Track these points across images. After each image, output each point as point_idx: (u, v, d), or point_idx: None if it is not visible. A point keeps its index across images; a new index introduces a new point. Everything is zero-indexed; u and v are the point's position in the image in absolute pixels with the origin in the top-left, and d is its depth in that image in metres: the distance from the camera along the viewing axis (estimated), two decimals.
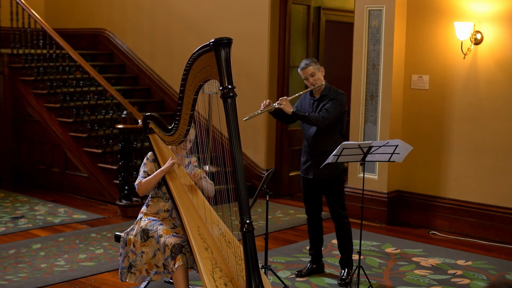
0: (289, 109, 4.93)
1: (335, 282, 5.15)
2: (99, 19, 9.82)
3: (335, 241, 6.14)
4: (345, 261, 5.19)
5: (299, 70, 5.05)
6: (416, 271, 5.46)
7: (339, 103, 4.99)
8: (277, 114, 5.06)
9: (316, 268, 5.31)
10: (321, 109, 4.97)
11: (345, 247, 5.17)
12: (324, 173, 5.03)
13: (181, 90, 4.02)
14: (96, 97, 8.17)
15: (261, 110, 4.90)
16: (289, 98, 5.01)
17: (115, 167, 7.53)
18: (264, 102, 4.94)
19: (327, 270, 5.41)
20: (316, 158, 4.99)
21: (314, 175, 5.07)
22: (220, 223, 4.29)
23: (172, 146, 4.49)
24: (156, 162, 4.44)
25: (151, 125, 4.48)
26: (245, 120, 4.82)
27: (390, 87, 6.80)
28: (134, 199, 7.16)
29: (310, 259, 5.35)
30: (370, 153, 4.67)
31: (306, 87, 5.19)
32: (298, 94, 5.07)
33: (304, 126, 5.10)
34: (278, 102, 4.95)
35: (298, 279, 5.20)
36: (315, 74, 4.99)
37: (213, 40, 3.71)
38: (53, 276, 5.12)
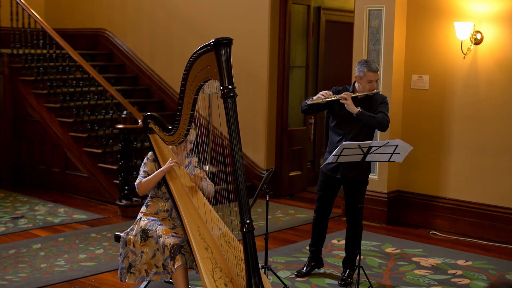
0: (354, 107, 4.88)
1: (335, 282, 5.15)
2: (99, 19, 9.82)
3: (335, 241, 6.16)
4: (350, 262, 5.17)
5: (366, 70, 4.91)
6: (416, 271, 5.46)
7: (388, 107, 5.05)
8: (316, 104, 4.98)
9: (315, 265, 5.31)
10: (369, 111, 4.94)
11: (354, 249, 5.14)
12: (353, 174, 5.01)
13: (181, 90, 4.02)
14: (96, 97, 8.17)
15: (323, 98, 4.88)
16: (353, 95, 4.95)
17: (115, 167, 7.53)
18: (325, 92, 4.92)
19: (327, 270, 5.41)
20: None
21: (342, 175, 5.03)
22: (220, 223, 4.28)
23: (172, 146, 4.49)
24: (156, 162, 4.44)
25: (151, 125, 4.48)
26: (309, 103, 4.88)
27: (390, 87, 6.80)
28: (134, 199, 7.16)
29: (309, 256, 5.33)
30: (370, 153, 4.67)
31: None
32: (362, 94, 4.96)
33: (345, 125, 5.00)
34: (342, 96, 4.89)
35: (298, 279, 5.20)
36: (378, 80, 5.02)
37: (213, 40, 3.71)
38: (53, 276, 5.12)
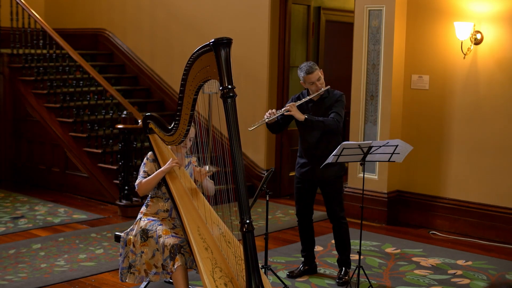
0: (300, 115, 4.87)
1: (335, 282, 5.15)
2: (99, 19, 9.82)
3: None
4: (344, 261, 5.19)
5: (303, 74, 4.92)
6: (416, 271, 5.46)
7: (343, 104, 5.02)
8: (274, 123, 5.00)
9: (308, 269, 5.29)
10: (327, 112, 4.93)
11: (344, 248, 5.17)
12: (329, 174, 5.02)
13: (181, 90, 4.02)
14: (96, 97, 8.17)
15: (267, 118, 4.87)
16: (296, 104, 4.94)
17: (115, 167, 7.53)
18: (269, 111, 4.91)
19: (327, 270, 5.41)
20: (321, 160, 4.91)
21: (316, 177, 5.04)
22: (220, 223, 4.28)
23: (172, 146, 4.49)
24: (156, 162, 4.44)
25: (151, 125, 4.48)
26: (251, 129, 4.81)
27: (390, 87, 6.80)
28: (134, 199, 7.16)
29: (302, 261, 5.33)
30: (370, 153, 4.67)
31: (308, 90, 5.10)
32: (305, 99, 4.96)
33: (306, 130, 5.01)
34: (285, 109, 4.90)
35: (298, 279, 5.20)
36: (320, 78, 4.96)
37: (213, 40, 3.71)
38: (53, 276, 5.12)
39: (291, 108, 4.89)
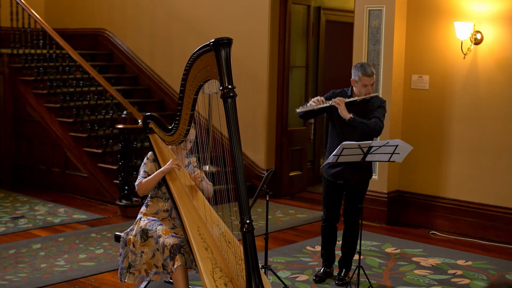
0: (347, 113, 4.84)
1: (335, 282, 5.15)
2: (99, 19, 9.82)
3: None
4: (346, 262, 5.18)
5: (361, 75, 4.87)
6: (416, 271, 5.46)
7: (385, 111, 5.01)
8: (310, 110, 4.96)
9: (329, 272, 5.26)
10: (367, 116, 4.91)
11: (350, 250, 5.15)
12: (359, 178, 5.00)
13: (181, 90, 4.02)
14: (96, 97, 8.17)
15: (314, 105, 4.86)
16: (346, 100, 4.90)
17: (115, 167, 7.53)
18: (317, 97, 4.90)
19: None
20: (353, 163, 4.82)
21: (346, 180, 4.99)
22: (220, 223, 4.28)
23: (172, 146, 4.49)
24: (156, 162, 4.44)
25: (151, 125, 4.47)
26: (298, 111, 4.89)
27: (390, 87, 6.80)
28: (134, 199, 7.16)
29: (324, 264, 5.25)
30: (370, 153, 4.67)
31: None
32: (354, 99, 4.91)
33: (345, 131, 4.94)
34: (334, 101, 4.87)
35: (298, 279, 5.20)
36: (374, 83, 4.97)
37: (213, 40, 3.71)
38: (53, 276, 5.12)
39: (341, 103, 4.85)
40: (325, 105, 4.88)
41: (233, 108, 3.72)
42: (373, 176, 6.90)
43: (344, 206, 5.15)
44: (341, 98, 4.90)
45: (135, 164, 7.23)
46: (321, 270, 5.25)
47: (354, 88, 4.99)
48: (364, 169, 4.93)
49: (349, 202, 5.10)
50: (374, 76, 4.94)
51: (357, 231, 5.09)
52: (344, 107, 4.86)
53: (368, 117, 4.93)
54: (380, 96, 6.84)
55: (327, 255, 5.25)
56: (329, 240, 5.23)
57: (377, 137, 5.02)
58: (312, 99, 4.95)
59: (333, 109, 4.95)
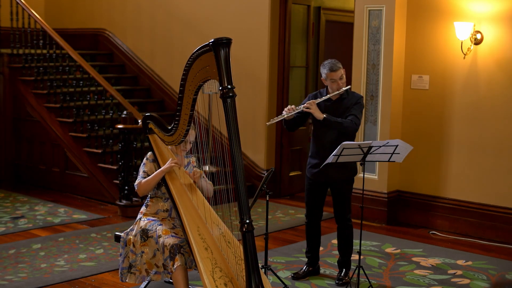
0: (320, 114, 4.84)
1: (335, 283, 5.15)
2: (99, 19, 9.82)
3: (335, 241, 6.14)
4: (345, 262, 5.19)
5: (326, 71, 4.88)
6: (416, 271, 5.46)
7: (363, 107, 5.00)
8: (291, 120, 4.97)
9: (312, 270, 5.29)
10: (345, 114, 4.90)
11: (347, 250, 5.16)
12: (342, 176, 5.00)
13: (180, 90, 4.02)
14: (96, 97, 8.17)
15: (286, 114, 4.85)
16: (316, 101, 4.90)
17: (115, 167, 7.53)
18: (288, 107, 4.88)
19: (327, 270, 5.41)
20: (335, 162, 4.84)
21: (328, 178, 5.01)
22: (220, 223, 4.28)
23: (171, 147, 4.49)
24: (156, 162, 4.44)
25: (151, 125, 4.47)
26: (269, 124, 4.84)
27: (390, 87, 6.80)
28: (134, 199, 7.16)
29: (307, 261, 5.32)
30: (370, 153, 4.67)
31: (323, 88, 5.06)
32: (325, 97, 4.92)
33: (321, 130, 4.96)
34: (304, 105, 4.87)
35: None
36: (343, 77, 4.92)
37: (212, 40, 3.71)
38: (53, 276, 5.12)
39: (311, 106, 4.85)
40: (295, 111, 4.87)
41: (233, 108, 3.72)
42: (373, 176, 6.95)
43: (333, 206, 5.15)
44: (311, 101, 4.89)
45: (135, 164, 7.23)
46: (303, 269, 5.27)
47: (328, 87, 5.00)
48: (348, 167, 4.91)
49: (336, 201, 5.11)
50: (341, 69, 4.90)
51: (351, 229, 5.11)
52: (316, 108, 4.85)
53: (345, 115, 4.92)
54: (380, 96, 6.86)
55: (310, 253, 5.27)
56: (312, 239, 5.24)
57: (352, 135, 4.95)
58: (284, 109, 4.94)
59: (310, 113, 4.95)
